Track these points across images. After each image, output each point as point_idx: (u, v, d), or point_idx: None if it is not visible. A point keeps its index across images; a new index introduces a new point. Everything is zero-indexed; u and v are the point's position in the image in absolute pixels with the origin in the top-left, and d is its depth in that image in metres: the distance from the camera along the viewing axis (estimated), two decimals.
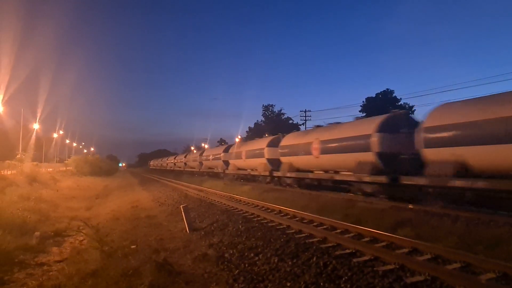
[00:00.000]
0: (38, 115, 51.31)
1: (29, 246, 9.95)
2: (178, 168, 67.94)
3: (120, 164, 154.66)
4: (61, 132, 72.76)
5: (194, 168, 58.30)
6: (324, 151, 19.92)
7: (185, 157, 70.43)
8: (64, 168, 56.89)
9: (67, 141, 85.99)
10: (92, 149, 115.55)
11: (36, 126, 51.17)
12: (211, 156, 48.85)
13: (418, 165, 14.54)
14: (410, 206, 13.37)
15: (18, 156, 35.56)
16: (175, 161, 78.87)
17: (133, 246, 9.49)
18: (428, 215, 11.51)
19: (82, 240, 11.19)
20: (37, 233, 11.19)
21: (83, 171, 54.70)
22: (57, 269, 8.33)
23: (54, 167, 54.59)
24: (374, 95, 59.40)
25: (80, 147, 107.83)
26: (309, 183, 22.49)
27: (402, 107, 51.96)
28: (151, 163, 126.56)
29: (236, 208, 15.83)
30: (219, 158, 43.97)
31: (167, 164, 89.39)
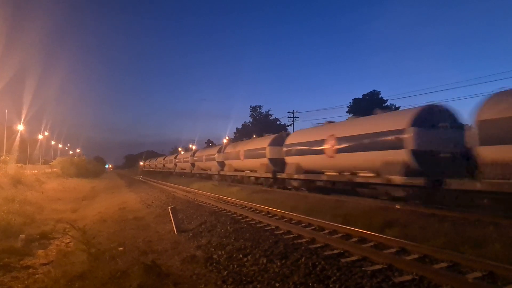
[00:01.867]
0: (23, 116, 50.63)
1: (14, 249, 9.76)
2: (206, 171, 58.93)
3: (107, 166, 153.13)
4: (46, 133, 71.86)
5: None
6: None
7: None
8: (50, 170, 56.06)
9: (53, 143, 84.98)
10: (78, 150, 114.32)
11: (20, 127, 50.44)
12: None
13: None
14: (398, 206, 13.51)
15: (2, 157, 34.96)
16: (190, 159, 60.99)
17: (120, 248, 9.40)
18: (416, 215, 11.63)
19: (68, 243, 11.04)
20: (22, 236, 11.00)
21: (69, 172, 54.04)
22: (43, 272, 8.18)
23: (39, 168, 53.77)
24: (361, 96, 59.94)
25: (66, 148, 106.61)
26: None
27: (388, 107, 52.51)
28: (146, 163, 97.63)
29: (224, 209, 15.80)
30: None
31: (175, 165, 62.34)
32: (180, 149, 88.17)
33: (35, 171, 45.50)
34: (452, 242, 8.21)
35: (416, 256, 7.44)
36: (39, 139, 69.34)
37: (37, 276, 7.92)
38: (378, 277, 6.20)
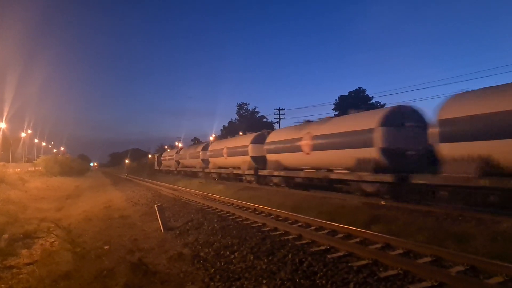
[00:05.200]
0: (5, 114, 49.66)
1: None
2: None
3: (92, 164, 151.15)
4: (29, 131, 70.64)
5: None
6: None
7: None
8: (33, 168, 55.16)
9: (36, 141, 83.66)
10: (62, 148, 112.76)
11: (2, 125, 49.49)
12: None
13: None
14: (383, 202, 13.65)
15: None
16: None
17: (106, 247, 9.32)
18: (400, 211, 11.77)
19: (53, 242, 10.89)
20: (5, 236, 10.85)
21: (52, 171, 53.11)
22: (27, 271, 8.08)
23: (22, 167, 52.91)
24: (347, 94, 60.27)
25: (50, 146, 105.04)
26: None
27: (373, 105, 52.99)
28: (164, 156, 61.70)
29: (211, 207, 15.77)
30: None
31: (177, 162, 48.51)
32: (166, 146, 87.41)
33: (18, 169, 44.80)
34: (435, 237, 8.36)
35: (400, 251, 7.55)
36: (22, 137, 68.18)
37: (21, 276, 7.82)
38: (364, 272, 6.29)
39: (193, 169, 41.18)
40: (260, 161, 25.20)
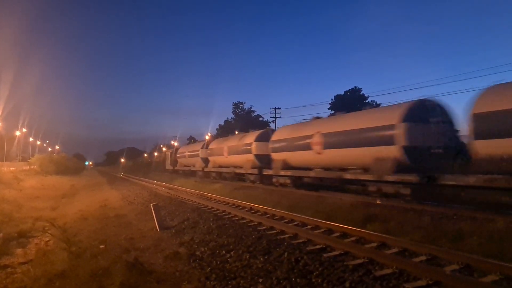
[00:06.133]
0: None
1: None
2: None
3: (87, 163, 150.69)
4: (24, 130, 70.20)
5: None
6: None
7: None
8: (28, 167, 54.95)
9: (31, 139, 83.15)
10: (57, 147, 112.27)
11: None
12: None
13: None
14: (378, 201, 13.69)
15: None
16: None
17: (102, 246, 9.30)
18: (396, 210, 11.81)
19: (48, 241, 10.86)
20: None
21: (47, 170, 52.96)
22: (21, 271, 8.04)
23: (17, 166, 52.67)
24: (342, 93, 60.32)
25: (45, 145, 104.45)
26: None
27: (369, 104, 53.09)
28: (183, 152, 45.11)
29: (207, 206, 15.76)
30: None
31: (204, 161, 36.00)
32: (162, 145, 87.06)
33: (13, 168, 44.59)
34: (430, 236, 8.39)
35: (396, 250, 7.57)
36: (16, 135, 67.76)
37: (15, 275, 7.79)
38: (360, 271, 6.30)
39: (237, 170, 27.46)
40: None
